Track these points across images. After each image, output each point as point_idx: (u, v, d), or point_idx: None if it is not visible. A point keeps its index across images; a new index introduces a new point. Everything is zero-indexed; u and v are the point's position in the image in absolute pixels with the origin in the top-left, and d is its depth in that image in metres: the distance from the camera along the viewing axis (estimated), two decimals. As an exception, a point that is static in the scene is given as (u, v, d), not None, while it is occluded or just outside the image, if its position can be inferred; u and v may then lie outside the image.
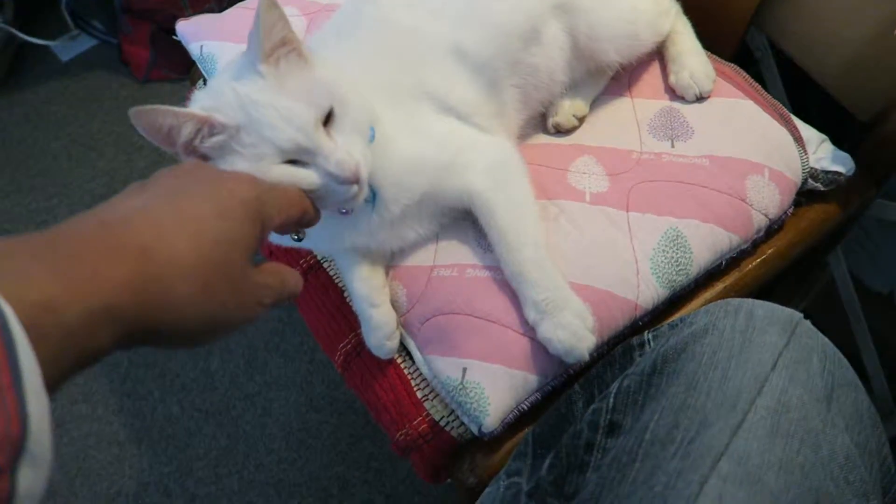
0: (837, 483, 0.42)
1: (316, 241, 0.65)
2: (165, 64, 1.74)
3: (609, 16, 0.73)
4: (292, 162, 0.52)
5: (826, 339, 0.51)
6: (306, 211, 0.49)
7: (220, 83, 0.54)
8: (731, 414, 0.43)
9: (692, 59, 0.79)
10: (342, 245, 0.65)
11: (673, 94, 0.79)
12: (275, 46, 0.52)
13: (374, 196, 0.61)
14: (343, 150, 0.52)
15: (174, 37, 0.90)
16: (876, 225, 1.10)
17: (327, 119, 0.53)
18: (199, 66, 0.86)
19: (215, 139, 0.51)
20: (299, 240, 0.58)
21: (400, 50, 0.67)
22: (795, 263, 0.78)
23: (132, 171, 1.63)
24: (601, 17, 0.73)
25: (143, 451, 1.24)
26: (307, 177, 0.52)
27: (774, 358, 0.47)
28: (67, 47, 1.86)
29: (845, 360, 0.50)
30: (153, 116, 0.48)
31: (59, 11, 1.80)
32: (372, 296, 0.64)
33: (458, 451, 0.63)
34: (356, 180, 0.53)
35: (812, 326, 0.52)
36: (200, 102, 0.53)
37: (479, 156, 0.65)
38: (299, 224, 0.49)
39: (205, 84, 0.86)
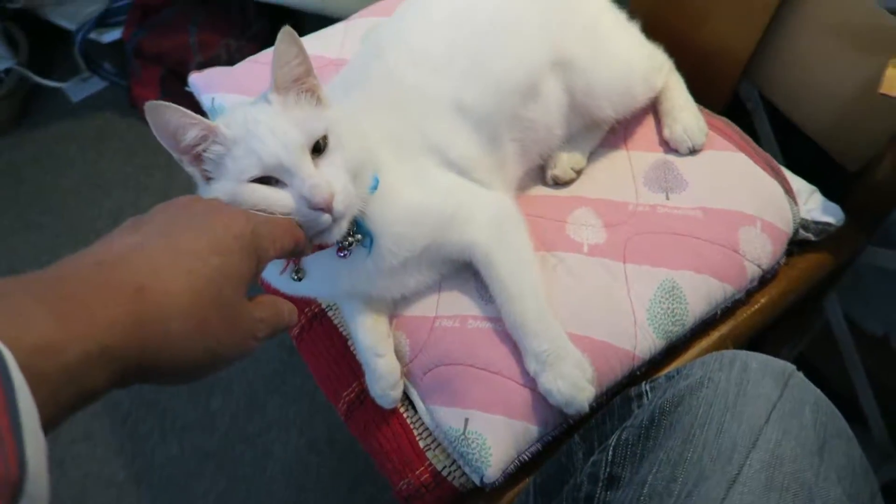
0: (830, 537, 0.43)
1: (316, 285, 0.66)
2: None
3: (605, 73, 0.76)
4: (272, 183, 0.53)
5: (818, 391, 0.52)
6: (298, 241, 0.50)
7: (238, 106, 0.58)
8: (727, 467, 0.45)
9: (685, 114, 0.82)
10: (341, 289, 0.66)
11: (667, 146, 0.82)
12: (288, 80, 0.55)
13: (370, 241, 0.62)
14: (321, 177, 0.53)
15: (186, 88, 0.93)
16: (869, 268, 1.12)
17: (321, 151, 0.55)
18: (210, 116, 0.88)
19: (216, 148, 0.53)
20: (299, 279, 0.60)
21: (405, 105, 0.69)
22: (790, 308, 0.80)
23: (138, 210, 1.63)
24: (597, 75, 0.76)
25: (141, 491, 1.24)
26: (282, 198, 0.53)
27: (768, 411, 0.48)
28: (78, 88, 1.91)
29: (837, 412, 0.52)
30: (166, 112, 0.51)
31: (72, 54, 1.84)
32: (377, 345, 0.65)
33: (459, 501, 0.64)
34: (328, 209, 0.53)
35: (804, 378, 0.53)
36: (216, 118, 0.56)
37: (480, 210, 0.67)
38: (292, 254, 0.50)
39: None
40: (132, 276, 0.36)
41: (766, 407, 0.48)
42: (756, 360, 0.53)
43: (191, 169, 0.55)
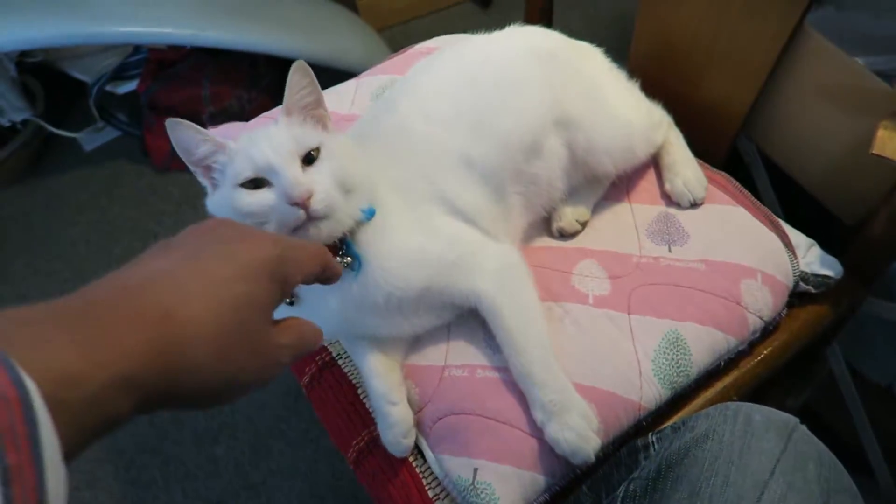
0: (838, 592, 0.44)
1: (309, 313, 0.64)
2: (184, 155, 1.82)
3: (605, 131, 0.79)
4: (259, 186, 0.60)
5: (822, 445, 0.53)
6: (327, 265, 0.49)
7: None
8: (734, 520, 0.46)
9: (685, 169, 0.84)
10: (334, 320, 0.67)
11: (668, 200, 0.84)
12: (297, 106, 0.64)
13: (358, 265, 0.65)
14: (304, 177, 0.59)
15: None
16: (872, 320, 1.13)
17: (312, 162, 0.61)
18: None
19: (222, 158, 0.62)
20: (291, 303, 0.65)
21: (415, 155, 0.73)
22: (794, 359, 0.81)
23: None
24: (597, 133, 0.78)
25: (144, 541, 1.23)
26: (265, 196, 0.59)
27: (772, 465, 0.49)
28: (92, 138, 1.96)
29: (841, 466, 0.53)
30: (184, 129, 0.60)
31: (87, 105, 1.90)
32: (390, 393, 0.66)
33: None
34: (303, 206, 0.58)
35: (808, 432, 0.54)
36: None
37: (486, 260, 0.69)
38: (320, 279, 0.50)
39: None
40: (158, 302, 0.36)
41: (771, 461, 0.50)
42: (759, 412, 0.55)
43: (202, 179, 0.64)
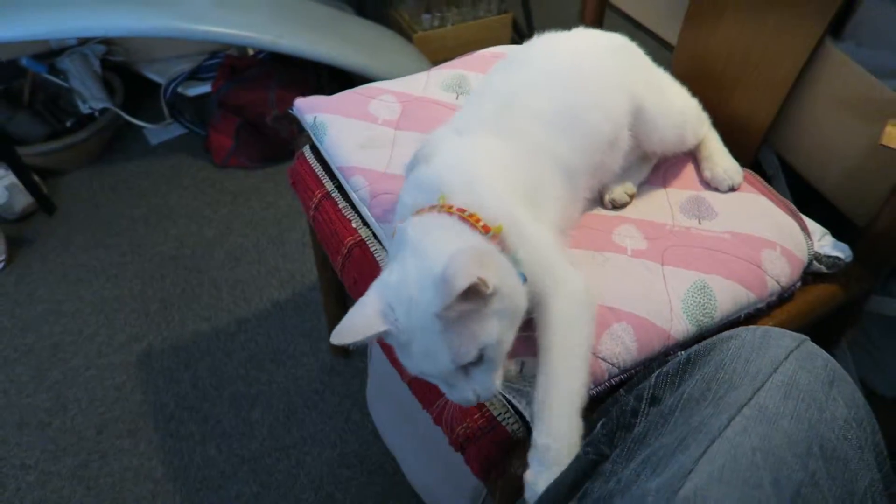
0: (837, 436, 0.52)
1: None
2: (244, 153, 1.97)
3: (666, 120, 0.89)
4: None
5: (829, 356, 0.62)
6: None
7: None
8: (753, 382, 0.54)
9: (723, 159, 0.96)
10: None
11: (706, 186, 0.95)
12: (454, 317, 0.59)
13: None
14: (470, 393, 0.62)
15: (291, 121, 1.09)
16: (878, 331, 1.21)
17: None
18: (310, 132, 1.04)
19: None
20: None
21: (532, 160, 0.77)
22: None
23: (201, 238, 1.81)
24: (660, 122, 0.88)
25: (177, 488, 1.29)
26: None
27: (787, 353, 0.58)
28: (158, 133, 2.13)
29: (844, 372, 0.61)
30: None
31: (158, 103, 2.07)
32: None
33: (511, 447, 0.72)
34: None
35: (817, 346, 0.63)
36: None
37: (568, 276, 0.70)
38: None
39: (311, 148, 1.05)
40: None
41: (785, 351, 0.58)
42: (775, 328, 0.64)
43: None
